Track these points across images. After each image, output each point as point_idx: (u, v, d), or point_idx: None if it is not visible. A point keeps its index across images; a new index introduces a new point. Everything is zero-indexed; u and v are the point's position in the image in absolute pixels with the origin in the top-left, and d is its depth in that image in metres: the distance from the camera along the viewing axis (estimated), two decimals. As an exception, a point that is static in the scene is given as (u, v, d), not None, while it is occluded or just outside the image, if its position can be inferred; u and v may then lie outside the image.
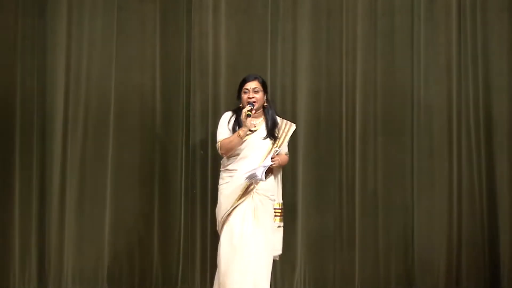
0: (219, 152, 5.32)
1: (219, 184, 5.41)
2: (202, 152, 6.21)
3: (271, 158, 5.29)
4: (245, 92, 5.41)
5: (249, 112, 5.23)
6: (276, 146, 5.32)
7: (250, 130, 5.32)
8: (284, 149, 5.50)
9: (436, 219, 6.67)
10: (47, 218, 6.53)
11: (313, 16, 6.72)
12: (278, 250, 5.49)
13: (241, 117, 5.28)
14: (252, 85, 5.42)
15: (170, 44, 6.61)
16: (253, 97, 5.36)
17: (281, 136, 5.42)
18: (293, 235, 6.52)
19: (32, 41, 6.62)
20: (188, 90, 6.61)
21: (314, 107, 6.69)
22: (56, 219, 6.48)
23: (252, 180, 5.25)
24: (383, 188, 6.68)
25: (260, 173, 5.22)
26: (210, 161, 6.49)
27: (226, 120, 5.43)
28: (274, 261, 5.60)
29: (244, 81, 5.44)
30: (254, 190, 5.32)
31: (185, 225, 6.55)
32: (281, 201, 5.51)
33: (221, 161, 5.40)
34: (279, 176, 5.56)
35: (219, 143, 5.34)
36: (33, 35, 6.62)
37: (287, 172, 6.35)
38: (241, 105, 5.40)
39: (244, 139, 5.30)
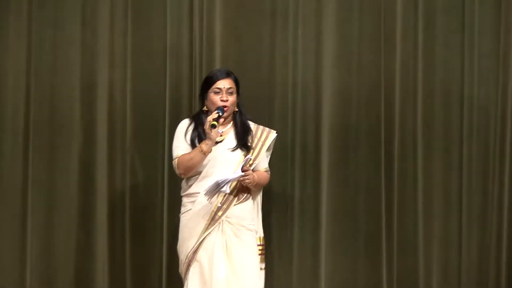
0: (176, 171, 4.67)
1: (180, 213, 4.72)
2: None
3: (243, 169, 4.56)
4: (216, 93, 4.68)
5: (215, 122, 4.51)
6: (250, 155, 4.65)
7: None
8: (262, 164, 4.79)
9: (487, 256, 6.00)
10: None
11: (342, -7, 5.94)
12: None
13: (204, 127, 4.55)
14: (225, 83, 4.70)
15: (146, 30, 5.84)
16: (227, 100, 4.65)
17: (256, 145, 4.74)
18: (315, 280, 5.81)
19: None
20: (174, 91, 5.79)
21: (342, 111, 5.88)
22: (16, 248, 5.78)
23: (212, 193, 4.51)
24: (425, 218, 5.94)
25: (224, 182, 4.52)
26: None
27: (182, 130, 4.75)
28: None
29: (213, 79, 4.71)
30: (223, 217, 4.61)
31: (168, 266, 5.71)
32: (262, 235, 4.86)
33: (181, 184, 4.75)
34: (258, 200, 4.87)
35: (176, 160, 4.66)
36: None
37: (307, 198, 5.77)
38: (205, 109, 4.71)
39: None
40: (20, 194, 5.77)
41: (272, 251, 5.71)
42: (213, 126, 4.54)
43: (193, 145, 4.69)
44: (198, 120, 4.73)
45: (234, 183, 4.68)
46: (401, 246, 5.91)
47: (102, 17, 5.80)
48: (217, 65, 5.74)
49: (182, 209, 4.73)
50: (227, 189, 4.53)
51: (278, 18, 5.85)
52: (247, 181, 4.62)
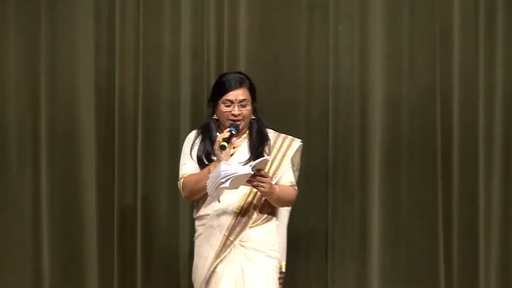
0: (182, 194, 4.31)
1: (194, 238, 4.41)
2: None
3: (254, 169, 4.05)
4: (227, 105, 4.26)
5: (224, 143, 4.10)
6: (269, 156, 4.23)
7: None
8: (286, 177, 4.32)
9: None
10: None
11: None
12: None
13: (214, 146, 4.19)
14: (238, 95, 4.27)
15: (158, 26, 5.51)
16: (239, 114, 4.24)
17: (275, 157, 4.31)
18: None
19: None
20: (191, 96, 5.49)
21: (392, 120, 5.52)
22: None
23: (214, 182, 4.03)
24: (485, 243, 5.54)
25: (226, 172, 4.00)
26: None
27: (189, 144, 4.37)
28: None
29: (224, 88, 4.28)
30: (236, 242, 4.23)
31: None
32: (284, 261, 4.45)
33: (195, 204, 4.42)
34: (284, 222, 4.46)
35: (181, 181, 4.29)
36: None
37: (352, 221, 5.45)
38: (214, 117, 4.32)
39: None
40: (31, 211, 5.53)
41: (309, 283, 5.42)
42: (223, 148, 4.09)
43: (200, 162, 4.29)
44: (206, 132, 4.32)
45: (249, 197, 4.22)
46: (461, 277, 5.53)
47: (111, 11, 5.50)
48: (242, 67, 5.35)
49: (195, 234, 4.38)
50: (227, 183, 3.99)
51: (316, 11, 5.47)
52: (261, 188, 4.09)
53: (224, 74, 4.37)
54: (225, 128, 4.19)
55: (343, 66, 5.48)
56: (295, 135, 4.54)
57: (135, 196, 5.43)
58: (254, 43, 5.45)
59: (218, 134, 4.23)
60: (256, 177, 4.04)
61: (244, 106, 4.25)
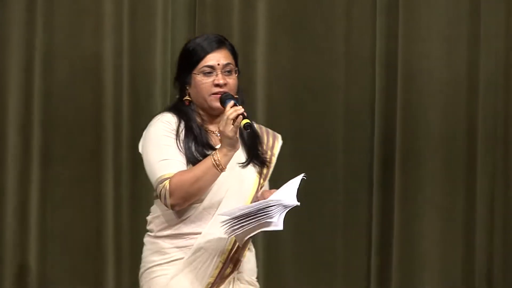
0: (166, 201, 3.49)
1: (145, 267, 3.56)
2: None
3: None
4: (205, 74, 3.61)
5: (248, 121, 3.48)
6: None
7: (213, 148, 3.63)
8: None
9: None
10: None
11: None
12: None
13: (221, 128, 3.49)
14: (220, 58, 3.65)
15: None
16: (225, 84, 3.60)
17: (270, 158, 3.76)
18: None
19: None
20: None
21: (457, 107, 4.96)
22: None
23: (247, 230, 3.41)
24: None
25: (280, 211, 3.31)
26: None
27: (171, 130, 3.61)
28: None
29: (200, 52, 3.66)
30: (234, 273, 3.62)
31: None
32: None
33: (150, 216, 3.61)
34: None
35: (167, 183, 3.53)
36: None
37: (403, 239, 5.05)
38: (187, 98, 3.64)
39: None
40: None
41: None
42: (248, 127, 3.47)
43: (193, 158, 3.66)
44: (189, 118, 3.67)
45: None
46: None
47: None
48: (261, 34, 4.85)
49: (156, 258, 3.59)
50: (279, 221, 3.38)
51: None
52: None
53: (193, 40, 3.73)
54: (203, 111, 3.55)
55: (384, 29, 4.85)
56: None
57: (118, 217, 4.72)
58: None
59: (198, 120, 3.63)
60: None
61: (229, 73, 3.63)
